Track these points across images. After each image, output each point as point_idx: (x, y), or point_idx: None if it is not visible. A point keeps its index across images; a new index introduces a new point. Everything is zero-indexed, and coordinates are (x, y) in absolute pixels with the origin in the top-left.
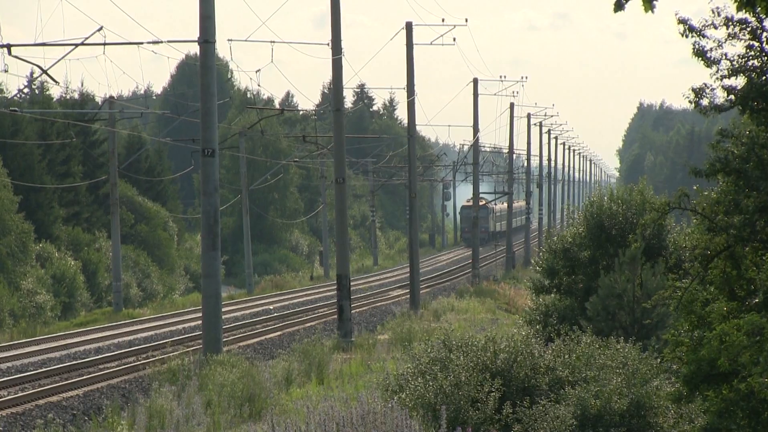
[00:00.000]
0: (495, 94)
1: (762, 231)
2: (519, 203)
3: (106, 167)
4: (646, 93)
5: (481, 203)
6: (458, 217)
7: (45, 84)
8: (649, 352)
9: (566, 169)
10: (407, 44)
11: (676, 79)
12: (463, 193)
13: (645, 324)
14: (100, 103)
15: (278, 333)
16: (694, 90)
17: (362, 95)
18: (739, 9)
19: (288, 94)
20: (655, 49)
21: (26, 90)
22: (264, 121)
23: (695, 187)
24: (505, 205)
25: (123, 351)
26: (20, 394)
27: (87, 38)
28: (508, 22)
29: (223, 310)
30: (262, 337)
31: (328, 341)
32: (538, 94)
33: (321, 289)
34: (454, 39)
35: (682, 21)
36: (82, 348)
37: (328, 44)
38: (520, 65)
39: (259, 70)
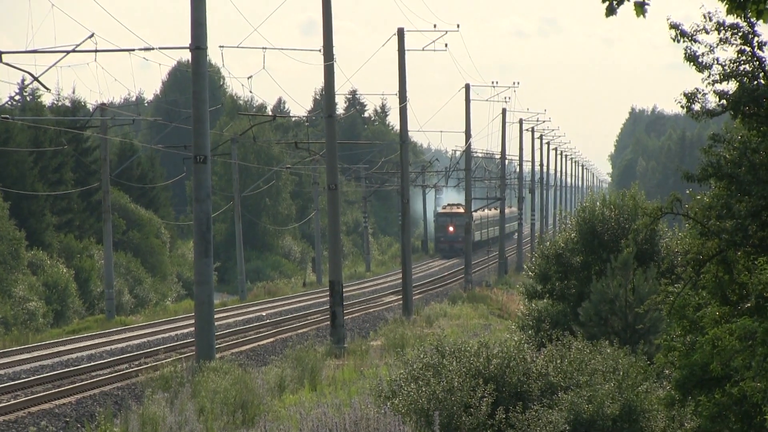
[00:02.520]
0: (487, 100)
1: (754, 235)
2: (509, 209)
3: (98, 174)
4: (637, 98)
5: (459, 210)
6: (432, 226)
7: (36, 91)
8: (638, 355)
9: (558, 174)
10: (399, 50)
11: (666, 84)
12: (447, 200)
13: (637, 329)
14: (91, 110)
15: (271, 339)
16: (686, 95)
17: (354, 101)
18: (729, 12)
19: (280, 100)
20: (644, 54)
21: (18, 97)
22: (256, 127)
23: (688, 192)
24: (488, 212)
25: (116, 358)
26: (13, 402)
27: (78, 45)
28: (495, 28)
29: (216, 316)
30: (255, 344)
31: (320, 347)
32: (529, 100)
33: (314, 296)
34: (446, 45)
35: (674, 26)
36: (74, 355)
37: (319, 50)
38: (509, 71)
39: (250, 77)
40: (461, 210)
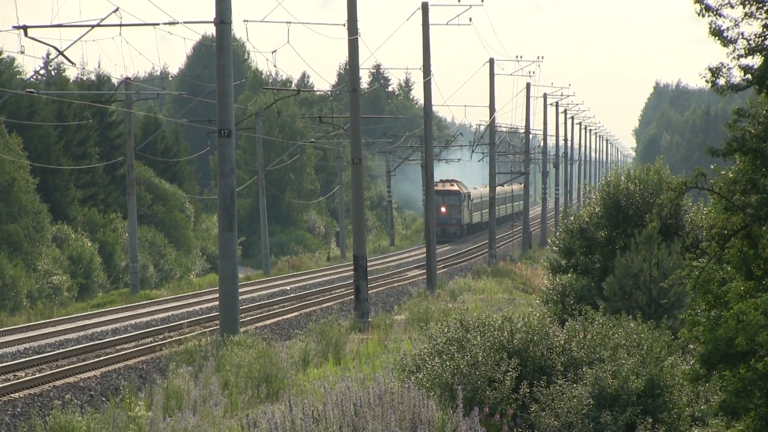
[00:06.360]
0: (511, 74)
1: None
2: (518, 186)
3: (122, 148)
4: (661, 72)
5: (453, 188)
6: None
7: (61, 65)
8: (661, 330)
9: (583, 149)
10: (423, 24)
11: (682, 59)
12: (470, 174)
13: (662, 304)
14: (116, 84)
15: (295, 314)
16: (710, 69)
17: (378, 76)
18: None
19: (304, 74)
20: (663, 29)
21: (43, 71)
22: (280, 101)
23: (712, 167)
24: (487, 190)
25: (140, 332)
26: (38, 375)
27: (103, 19)
28: (513, 2)
29: (240, 290)
30: (279, 318)
31: (344, 322)
32: (552, 75)
33: (338, 270)
34: (470, 19)
35: (699, 0)
36: (99, 329)
37: (344, 25)
38: (530, 46)
39: (275, 51)
40: (455, 187)
